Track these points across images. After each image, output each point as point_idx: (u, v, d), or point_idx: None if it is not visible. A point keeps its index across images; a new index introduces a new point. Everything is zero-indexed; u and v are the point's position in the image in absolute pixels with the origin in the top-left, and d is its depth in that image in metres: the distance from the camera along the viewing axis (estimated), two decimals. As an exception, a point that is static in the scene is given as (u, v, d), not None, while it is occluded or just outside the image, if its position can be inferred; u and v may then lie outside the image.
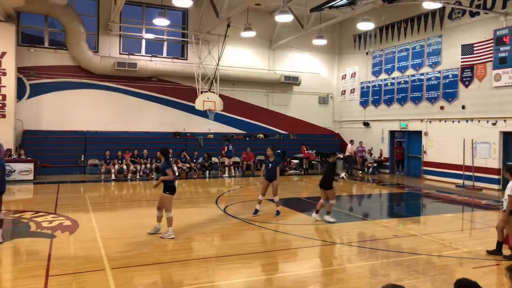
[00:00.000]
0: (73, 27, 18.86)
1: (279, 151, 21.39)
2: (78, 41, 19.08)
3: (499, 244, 7.52)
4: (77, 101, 19.65)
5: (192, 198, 14.27)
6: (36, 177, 16.64)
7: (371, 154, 21.57)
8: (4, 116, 17.16)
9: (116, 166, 17.98)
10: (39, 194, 14.14)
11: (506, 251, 7.49)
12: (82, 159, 18.85)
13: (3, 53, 17.15)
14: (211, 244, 8.18)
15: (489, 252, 7.58)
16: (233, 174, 19.65)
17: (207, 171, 19.35)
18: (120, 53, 20.52)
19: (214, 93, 20.47)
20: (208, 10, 20.01)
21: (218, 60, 20.27)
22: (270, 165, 10.62)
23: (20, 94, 18.65)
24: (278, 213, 10.74)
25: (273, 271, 6.68)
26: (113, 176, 17.64)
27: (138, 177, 18.09)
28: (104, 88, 20.23)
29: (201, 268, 6.71)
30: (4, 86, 17.19)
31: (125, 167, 18.15)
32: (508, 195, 7.26)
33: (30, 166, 16.56)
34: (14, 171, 16.12)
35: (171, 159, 18.53)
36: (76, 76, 19.75)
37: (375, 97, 22.43)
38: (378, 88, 22.22)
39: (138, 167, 18.33)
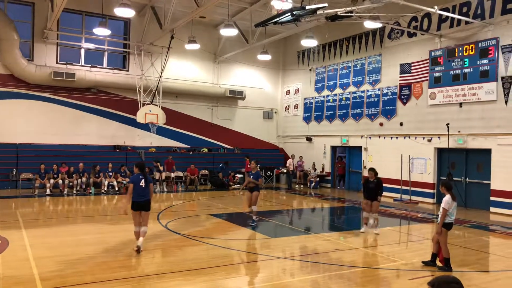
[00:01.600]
0: (5, 33, 17.78)
1: (221, 164, 21.46)
2: (11, 48, 18.01)
3: (434, 256, 7.83)
4: (9, 111, 18.50)
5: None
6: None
7: (314, 169, 21.98)
8: None
9: (52, 181, 17.08)
10: (-37, 211, 13.10)
11: (438, 262, 7.83)
12: (14, 173, 17.73)
13: None
14: (152, 261, 7.91)
15: (425, 263, 7.86)
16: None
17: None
18: (57, 63, 19.65)
19: (157, 105, 20.11)
20: (151, 21, 19.76)
21: (161, 72, 19.99)
22: (252, 176, 11.66)
23: None
24: (254, 221, 11.39)
25: (216, 288, 6.56)
26: (48, 191, 16.73)
27: (75, 192, 17.28)
28: (39, 98, 19.22)
29: (141, 286, 6.47)
30: None
31: (61, 181, 17.28)
32: (442, 208, 7.61)
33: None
34: None
35: (111, 173, 18.12)
36: (8, 85, 18.61)
37: (317, 113, 22.96)
38: (320, 104, 22.80)
39: (75, 181, 17.52)
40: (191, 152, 22.29)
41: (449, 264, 7.59)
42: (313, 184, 21.39)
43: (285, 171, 22.54)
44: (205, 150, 23.01)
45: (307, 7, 11.30)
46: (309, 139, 23.25)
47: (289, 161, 22.47)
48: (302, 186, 21.81)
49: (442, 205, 7.64)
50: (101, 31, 17.56)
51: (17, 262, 7.44)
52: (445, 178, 16.01)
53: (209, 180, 21.39)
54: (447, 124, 15.85)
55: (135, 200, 8.44)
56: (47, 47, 19.42)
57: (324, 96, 22.57)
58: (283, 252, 8.89)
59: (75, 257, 7.88)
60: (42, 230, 10.58)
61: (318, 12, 11.86)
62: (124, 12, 15.04)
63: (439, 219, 7.75)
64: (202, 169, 21.41)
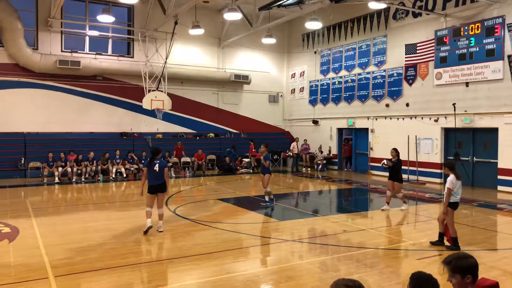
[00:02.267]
0: (9, 22, 17.76)
1: (228, 149, 21.47)
2: (15, 37, 18.00)
3: (441, 235, 7.86)
4: (15, 101, 18.58)
5: (141, 199, 13.83)
6: (-29, 182, 15.65)
7: (321, 152, 21.95)
8: None
9: (60, 169, 17.21)
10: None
11: (446, 242, 7.85)
12: (22, 162, 17.88)
13: None
14: (161, 247, 8.01)
15: (432, 243, 7.89)
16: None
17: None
18: (62, 51, 19.63)
19: (162, 91, 20.08)
20: (155, 7, 19.58)
21: (166, 58, 19.90)
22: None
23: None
24: (265, 202, 11.93)
25: (224, 271, 6.59)
26: (56, 179, 16.89)
27: (83, 179, 17.41)
28: (45, 87, 19.26)
29: (151, 272, 6.54)
30: None
31: (69, 169, 17.42)
32: (447, 187, 7.63)
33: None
34: None
35: (118, 160, 18.22)
36: (14, 74, 18.66)
37: (323, 96, 22.85)
38: (326, 86, 22.66)
39: (84, 169, 17.65)
40: (197, 138, 22.32)
41: (457, 243, 7.61)
42: (320, 166, 21.39)
43: (291, 154, 22.51)
44: (212, 135, 23.03)
45: (311, -11, 11.17)
46: (315, 122, 23.18)
47: (293, 144, 22.37)
48: (309, 169, 21.83)
49: (447, 184, 7.66)
50: (105, 18, 17.47)
51: (27, 250, 7.53)
52: (451, 158, 16.01)
53: (216, 165, 21.44)
54: (454, 104, 15.77)
55: (151, 184, 8.83)
56: (51, 36, 19.38)
57: (329, 79, 22.45)
58: (291, 235, 8.94)
59: (85, 244, 7.97)
60: (51, 218, 10.70)
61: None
62: (127, -2, 14.91)
63: (444, 199, 7.78)
64: (209, 154, 21.44)
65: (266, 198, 12.01)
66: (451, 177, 7.67)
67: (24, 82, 18.88)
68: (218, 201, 12.88)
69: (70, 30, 20.10)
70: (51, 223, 10.01)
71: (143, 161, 18.89)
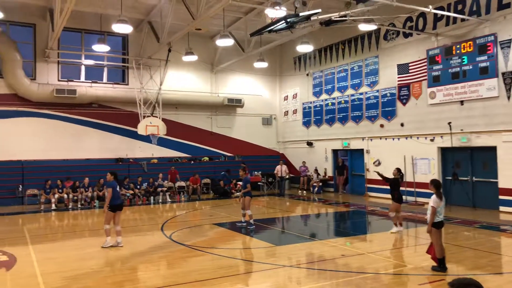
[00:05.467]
0: (8, 54, 18.34)
1: (222, 172, 21.70)
2: (14, 68, 18.51)
3: (441, 260, 7.64)
4: (14, 129, 18.92)
5: (136, 225, 14.07)
6: (-30, 210, 15.82)
7: (318, 174, 21.98)
8: None
9: (56, 195, 17.42)
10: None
11: (450, 265, 7.73)
12: (20, 189, 18.08)
13: None
14: (157, 273, 8.14)
15: (434, 268, 7.68)
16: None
17: (152, 197, 19.13)
18: (58, 80, 20.06)
19: (157, 117, 20.43)
20: (148, 35, 20.11)
21: (160, 84, 20.35)
22: (242, 183, 12.77)
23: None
24: (246, 223, 12.39)
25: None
26: (53, 206, 17.08)
27: (79, 206, 17.60)
28: (42, 115, 19.63)
29: (146, 299, 6.69)
30: None
31: (65, 196, 17.62)
32: (431, 206, 7.66)
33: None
34: None
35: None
36: (12, 104, 19.04)
37: (317, 117, 23.02)
38: (319, 108, 22.87)
39: (80, 195, 17.86)
40: (192, 162, 22.58)
41: (444, 264, 7.54)
42: (316, 189, 21.36)
43: (279, 176, 22.02)
44: (206, 158, 23.29)
45: (300, 14, 11.50)
46: (309, 144, 23.32)
47: (277, 168, 22.11)
48: (304, 191, 21.81)
49: (431, 203, 7.67)
50: (100, 48, 17.93)
51: (25, 279, 7.67)
52: (449, 178, 15.88)
53: (211, 188, 21.65)
54: (449, 123, 15.66)
55: (114, 203, 10.04)
56: (48, 66, 19.85)
57: (322, 100, 22.67)
58: (289, 260, 8.81)
59: (81, 271, 8.10)
60: (48, 245, 10.86)
61: (312, 18, 12.07)
62: (122, 28, 15.32)
63: (428, 218, 7.79)
64: (204, 178, 21.68)
65: (250, 221, 12.38)
66: (435, 196, 7.70)
67: (22, 111, 19.26)
68: (213, 226, 13.01)
69: (67, 60, 20.59)
70: (48, 250, 10.16)
71: (138, 186, 19.12)
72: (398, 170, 11.72)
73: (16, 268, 8.38)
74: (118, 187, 10.33)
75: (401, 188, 17.09)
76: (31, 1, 17.78)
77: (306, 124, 23.89)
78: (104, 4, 17.46)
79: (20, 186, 18.19)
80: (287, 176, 22.35)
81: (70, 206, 17.40)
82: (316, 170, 22.16)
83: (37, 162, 19.11)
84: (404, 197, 16.97)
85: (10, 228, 13.11)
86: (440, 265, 7.62)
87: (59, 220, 15.18)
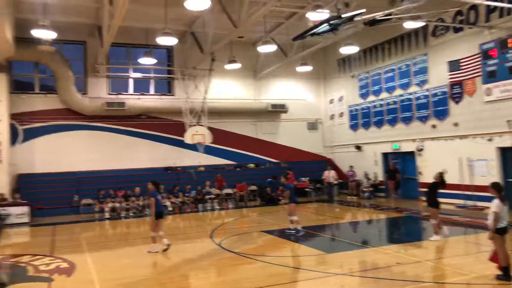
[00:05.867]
0: (62, 72, 19.40)
1: (269, 179, 21.61)
2: (67, 85, 19.56)
3: (506, 269, 7.20)
4: (69, 142, 19.90)
5: (186, 233, 14.30)
6: (32, 219, 16.73)
7: (368, 179, 21.32)
8: (0, 162, 17.44)
9: (110, 205, 18.03)
10: (35, 236, 14.25)
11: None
12: (76, 199, 18.88)
13: (-3, 102, 17.52)
14: (207, 281, 8.19)
15: (499, 277, 7.22)
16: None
17: (200, 204, 19.39)
18: (108, 93, 20.89)
19: (203, 126, 20.73)
20: (192, 46, 20.50)
21: (205, 94, 20.65)
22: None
23: (14, 140, 18.97)
24: (289, 229, 12.50)
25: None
26: (107, 215, 17.67)
27: (131, 214, 18.10)
28: (94, 128, 20.51)
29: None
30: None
31: (118, 205, 18.20)
32: (492, 211, 7.25)
33: (26, 209, 16.71)
34: (10, 215, 16.08)
35: (164, 194, 18.81)
36: (67, 118, 20.08)
37: (364, 120, 22.41)
38: (367, 110, 22.26)
39: (131, 204, 18.39)
40: (238, 169, 22.70)
41: (509, 272, 7.13)
42: (366, 194, 20.65)
43: (327, 182, 21.77)
44: (252, 165, 23.34)
45: (343, 15, 11.24)
46: (358, 147, 22.68)
47: (325, 173, 21.84)
48: (354, 197, 21.13)
49: (493, 208, 7.26)
50: (147, 61, 18.56)
51: (84, 285, 7.98)
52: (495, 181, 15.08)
53: (258, 195, 21.64)
54: (509, 121, 14.76)
55: (160, 210, 10.56)
56: (98, 80, 20.73)
57: (370, 102, 21.98)
58: (341, 268, 8.56)
59: (134, 279, 8.29)
60: (103, 253, 11.23)
61: (356, 18, 11.82)
62: (167, 41, 15.69)
63: (490, 224, 7.35)
64: (251, 185, 21.72)
65: (290, 226, 12.49)
66: (496, 200, 7.30)
67: (76, 125, 20.24)
68: (262, 233, 12.89)
69: (115, 74, 21.48)
70: (104, 258, 10.52)
71: (187, 194, 19.44)
72: (441, 174, 11.10)
73: (75, 275, 8.69)
74: (159, 195, 10.78)
75: (458, 192, 16.29)
76: (81, 20, 18.62)
77: (354, 127, 23.32)
78: (149, 18, 18.01)
79: (76, 196, 18.99)
80: (336, 182, 21.97)
81: (122, 215, 17.95)
82: (366, 175, 21.58)
83: (90, 173, 19.91)
84: (461, 201, 16.37)
85: (68, 236, 13.68)
86: (505, 274, 7.19)
87: (113, 228, 15.69)
